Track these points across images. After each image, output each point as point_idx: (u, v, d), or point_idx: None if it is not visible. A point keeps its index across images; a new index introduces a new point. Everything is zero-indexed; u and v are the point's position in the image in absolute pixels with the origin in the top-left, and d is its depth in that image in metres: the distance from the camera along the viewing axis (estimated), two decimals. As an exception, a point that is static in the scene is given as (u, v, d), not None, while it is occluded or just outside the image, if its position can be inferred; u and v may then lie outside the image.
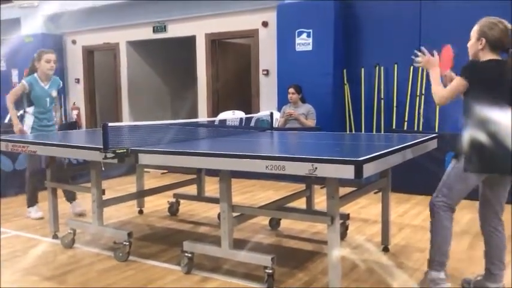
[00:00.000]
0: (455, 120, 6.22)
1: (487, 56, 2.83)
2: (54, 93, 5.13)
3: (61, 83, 5.32)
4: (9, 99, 4.95)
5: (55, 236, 4.30)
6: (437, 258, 2.92)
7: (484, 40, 2.82)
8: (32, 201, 5.08)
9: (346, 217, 4.17)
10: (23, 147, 4.01)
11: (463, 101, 2.89)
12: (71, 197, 5.25)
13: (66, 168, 5.28)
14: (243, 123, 7.88)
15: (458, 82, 2.82)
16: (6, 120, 8.27)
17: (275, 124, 6.30)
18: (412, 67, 7.01)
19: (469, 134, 2.78)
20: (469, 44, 2.93)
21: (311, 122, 6.69)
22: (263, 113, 7.04)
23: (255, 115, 7.60)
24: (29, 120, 4.99)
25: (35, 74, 5.02)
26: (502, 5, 6.36)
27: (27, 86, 4.93)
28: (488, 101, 2.73)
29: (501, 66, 2.79)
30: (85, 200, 5.10)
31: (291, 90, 6.79)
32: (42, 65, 5.00)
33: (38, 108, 5.00)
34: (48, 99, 5.05)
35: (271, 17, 7.90)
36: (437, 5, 6.82)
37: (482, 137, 2.71)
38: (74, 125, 9.25)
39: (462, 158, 2.83)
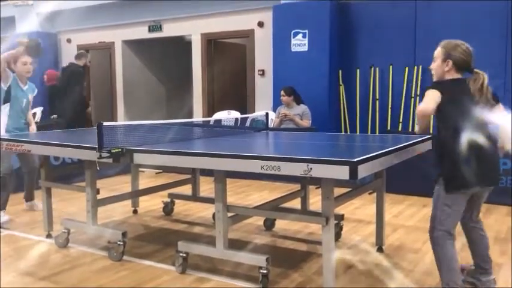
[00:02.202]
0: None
1: (453, 76, 2.89)
2: (31, 97, 5.11)
3: (36, 90, 5.24)
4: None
5: (49, 236, 4.28)
6: (450, 278, 2.84)
7: (450, 62, 2.87)
8: (4, 205, 4.92)
9: (340, 218, 4.18)
10: (17, 146, 3.99)
11: (437, 122, 2.91)
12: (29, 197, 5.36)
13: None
14: (239, 124, 7.88)
15: (433, 92, 2.79)
16: None
17: (270, 124, 6.30)
18: (407, 68, 7.04)
19: (444, 155, 2.82)
20: (433, 66, 2.97)
21: (306, 123, 6.69)
22: (258, 113, 7.04)
23: (251, 115, 7.60)
24: (4, 119, 4.88)
25: (14, 74, 4.93)
26: (496, 5, 6.41)
27: (11, 78, 4.82)
28: (456, 117, 2.77)
29: (462, 84, 2.84)
30: (79, 200, 5.09)
31: (282, 92, 6.79)
32: (18, 67, 4.90)
33: (15, 108, 4.91)
34: (25, 101, 5.00)
35: (267, 17, 7.90)
36: (432, 6, 6.85)
37: (456, 155, 2.74)
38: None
39: (441, 181, 2.84)
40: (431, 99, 2.77)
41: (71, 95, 7.39)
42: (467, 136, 2.71)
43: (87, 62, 7.29)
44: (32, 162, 5.10)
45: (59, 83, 8.21)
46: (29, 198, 5.35)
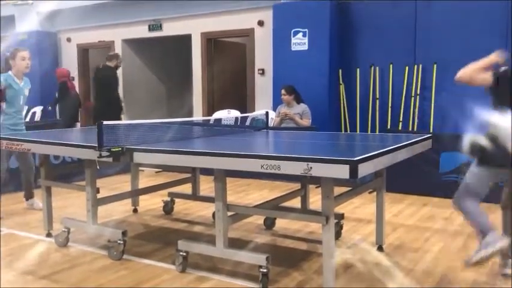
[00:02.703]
0: (450, 121, 6.25)
1: None
2: (27, 92, 5.14)
3: (30, 84, 5.25)
4: None
5: (49, 235, 4.28)
6: (483, 226, 3.06)
7: None
8: None
9: (340, 217, 4.18)
10: (17, 145, 3.99)
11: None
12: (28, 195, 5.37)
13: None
14: (239, 123, 7.88)
15: (488, 73, 3.02)
16: None
17: (270, 123, 6.30)
18: (407, 67, 7.03)
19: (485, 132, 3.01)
20: None
21: (306, 122, 6.69)
22: (258, 112, 7.04)
23: (251, 114, 7.59)
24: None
25: (10, 72, 4.96)
26: (496, 5, 6.40)
27: (3, 83, 4.85)
28: (499, 103, 2.96)
29: None
30: (79, 199, 5.09)
31: (282, 91, 6.78)
32: (17, 63, 4.94)
33: (12, 106, 4.97)
34: (22, 97, 5.05)
35: (267, 16, 7.90)
36: (432, 6, 6.84)
37: (494, 134, 2.92)
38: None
39: (476, 154, 3.06)
40: (479, 73, 3.01)
41: (103, 97, 7.51)
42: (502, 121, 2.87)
43: (118, 63, 7.36)
44: (28, 161, 5.11)
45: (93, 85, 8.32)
46: (29, 196, 5.35)
